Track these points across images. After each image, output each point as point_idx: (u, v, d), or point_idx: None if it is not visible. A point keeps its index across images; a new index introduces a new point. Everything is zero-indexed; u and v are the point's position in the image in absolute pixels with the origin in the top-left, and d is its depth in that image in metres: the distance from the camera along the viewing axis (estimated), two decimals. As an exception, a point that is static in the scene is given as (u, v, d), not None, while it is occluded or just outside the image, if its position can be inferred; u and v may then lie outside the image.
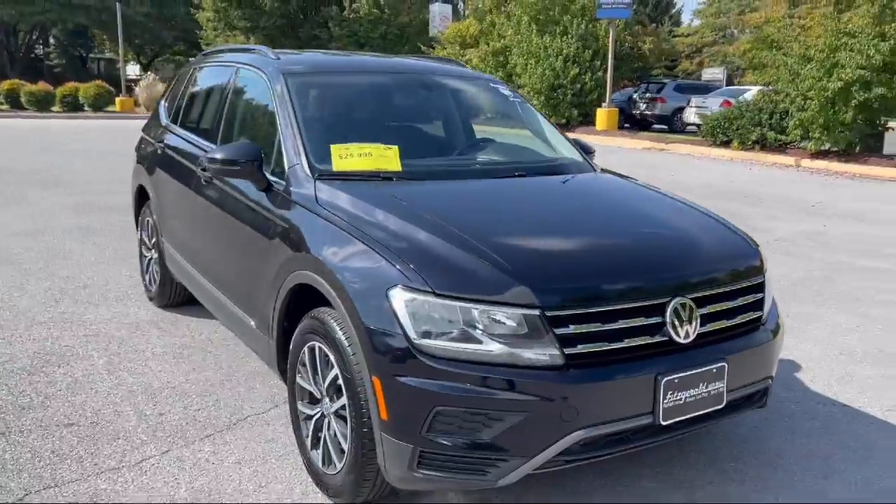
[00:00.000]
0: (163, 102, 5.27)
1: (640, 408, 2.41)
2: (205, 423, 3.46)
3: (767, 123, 17.35)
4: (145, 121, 5.69)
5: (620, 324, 2.42)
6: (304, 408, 2.97)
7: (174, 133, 4.65)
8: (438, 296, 2.34)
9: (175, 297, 4.98)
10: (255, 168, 3.21)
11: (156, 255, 4.96)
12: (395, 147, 3.30)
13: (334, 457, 2.74)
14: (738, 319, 2.72)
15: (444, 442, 2.33)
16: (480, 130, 4.25)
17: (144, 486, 2.93)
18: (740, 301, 2.74)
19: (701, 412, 2.55)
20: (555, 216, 3.08)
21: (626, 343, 2.41)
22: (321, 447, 2.84)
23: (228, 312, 3.67)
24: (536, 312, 2.32)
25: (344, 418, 2.66)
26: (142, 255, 5.31)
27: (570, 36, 23.63)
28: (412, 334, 2.34)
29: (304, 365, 2.92)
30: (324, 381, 2.77)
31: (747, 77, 19.59)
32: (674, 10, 50.43)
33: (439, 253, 2.52)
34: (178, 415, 3.54)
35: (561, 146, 4.01)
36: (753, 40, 19.63)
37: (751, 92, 22.07)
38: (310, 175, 3.10)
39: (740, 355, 2.64)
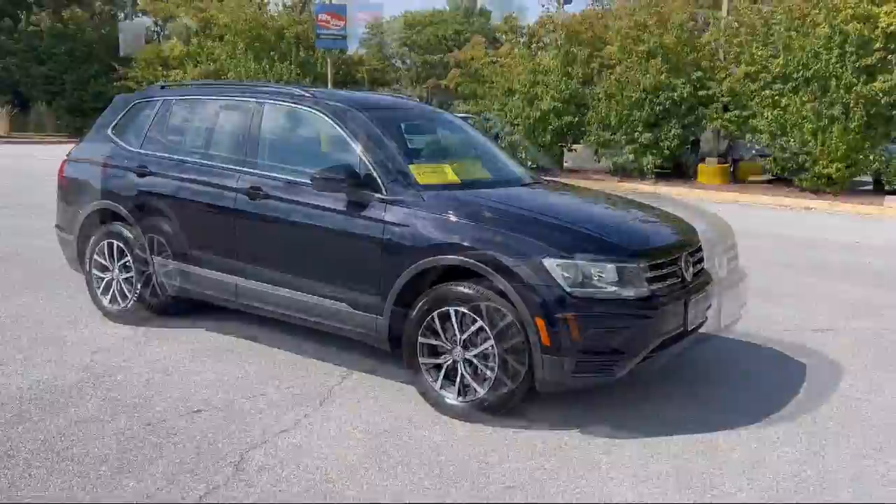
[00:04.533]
0: (109, 132, 5.57)
1: (678, 321, 3.95)
2: (320, 388, 4.26)
3: (481, 145, 20.35)
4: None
5: (665, 270, 3.95)
6: (426, 360, 4.00)
7: (169, 159, 5.12)
8: (580, 259, 3.64)
9: (151, 311, 5.36)
10: (356, 183, 4.14)
11: (128, 275, 5.29)
12: (447, 165, 4.46)
13: (475, 386, 3.84)
14: (700, 267, 4.41)
15: (591, 352, 3.64)
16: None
17: (335, 413, 3.71)
18: (698, 256, 4.44)
19: (699, 323, 4.17)
20: (597, 210, 4.51)
21: (669, 283, 3.95)
22: (456, 385, 3.90)
23: (306, 304, 4.40)
24: (637, 265, 3.75)
25: (486, 356, 3.80)
26: (94, 278, 5.51)
27: (289, 62, 24.73)
28: (565, 286, 3.61)
29: (427, 328, 3.96)
30: (460, 335, 3.86)
31: (460, 107, 22.59)
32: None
33: (563, 232, 3.83)
34: (298, 387, 4.21)
35: (508, 159, 5.44)
36: (462, 75, 22.73)
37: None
38: (410, 187, 4.13)
39: (707, 288, 4.33)
